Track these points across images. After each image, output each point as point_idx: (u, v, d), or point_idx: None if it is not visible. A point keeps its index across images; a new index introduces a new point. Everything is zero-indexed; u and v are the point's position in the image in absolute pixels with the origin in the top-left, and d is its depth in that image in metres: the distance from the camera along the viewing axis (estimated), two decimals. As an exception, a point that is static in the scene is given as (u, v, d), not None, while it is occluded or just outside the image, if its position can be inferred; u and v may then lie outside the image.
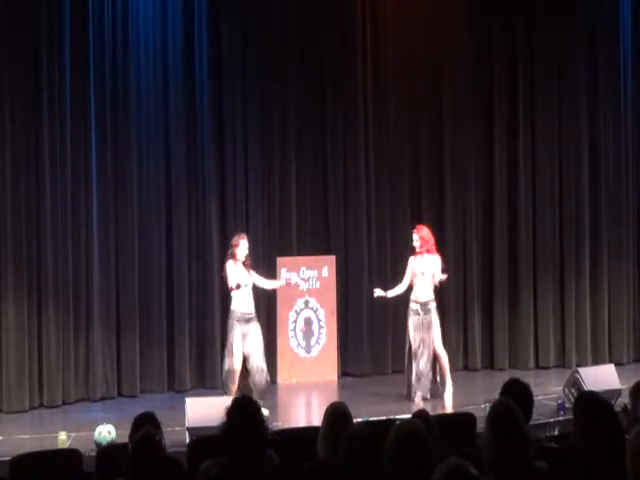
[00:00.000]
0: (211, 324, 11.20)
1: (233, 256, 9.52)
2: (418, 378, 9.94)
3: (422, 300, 10.05)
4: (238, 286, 9.41)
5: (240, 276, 9.48)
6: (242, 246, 9.51)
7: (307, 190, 11.83)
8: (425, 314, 10.02)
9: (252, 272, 9.66)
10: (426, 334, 10.00)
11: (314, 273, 11.63)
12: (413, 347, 10.01)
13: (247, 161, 11.49)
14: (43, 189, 10.34)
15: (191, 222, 11.29)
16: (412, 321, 10.03)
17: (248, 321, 9.46)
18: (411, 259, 10.17)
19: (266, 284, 9.99)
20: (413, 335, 10.00)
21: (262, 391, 9.37)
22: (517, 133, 12.17)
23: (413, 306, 10.08)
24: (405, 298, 10.34)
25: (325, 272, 11.65)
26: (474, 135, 12.19)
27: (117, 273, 10.87)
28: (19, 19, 10.29)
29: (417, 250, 10.10)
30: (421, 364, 9.96)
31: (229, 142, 11.41)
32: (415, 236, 10.14)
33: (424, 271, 10.05)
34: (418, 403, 9.69)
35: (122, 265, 10.88)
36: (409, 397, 9.98)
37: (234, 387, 9.34)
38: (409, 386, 10.02)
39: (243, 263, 9.52)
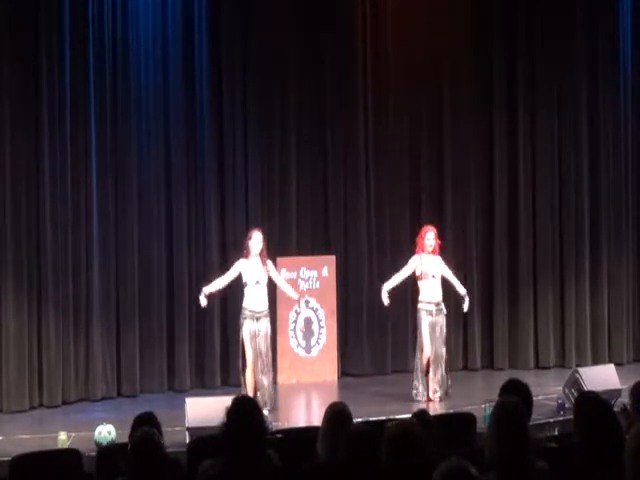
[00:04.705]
0: (211, 324, 11.21)
1: (247, 251, 9.52)
2: (438, 380, 9.90)
3: (435, 300, 10.01)
4: (245, 284, 9.48)
5: (252, 272, 9.47)
6: (255, 239, 9.51)
7: (307, 190, 11.83)
8: (438, 315, 9.99)
9: (269, 265, 9.60)
10: (440, 335, 9.98)
11: (314, 273, 11.63)
12: (426, 350, 9.90)
13: (247, 161, 11.49)
14: (43, 189, 10.34)
15: (191, 223, 11.29)
16: (427, 322, 9.96)
17: (258, 319, 9.46)
18: (416, 258, 10.06)
19: (281, 282, 9.95)
20: (429, 338, 9.91)
21: (269, 395, 9.41)
22: (517, 133, 12.17)
23: (426, 307, 10.00)
24: (404, 298, 10.31)
25: (325, 272, 11.65)
26: (474, 135, 12.19)
27: (117, 273, 10.87)
28: (19, 19, 10.29)
29: (430, 250, 10.04)
30: (440, 367, 9.93)
31: (229, 142, 11.41)
32: (432, 235, 10.08)
33: (435, 273, 10.02)
34: (428, 403, 9.68)
35: (122, 265, 10.88)
36: (423, 397, 9.89)
37: (248, 385, 9.36)
38: (426, 387, 9.93)
39: (260, 257, 9.52)
